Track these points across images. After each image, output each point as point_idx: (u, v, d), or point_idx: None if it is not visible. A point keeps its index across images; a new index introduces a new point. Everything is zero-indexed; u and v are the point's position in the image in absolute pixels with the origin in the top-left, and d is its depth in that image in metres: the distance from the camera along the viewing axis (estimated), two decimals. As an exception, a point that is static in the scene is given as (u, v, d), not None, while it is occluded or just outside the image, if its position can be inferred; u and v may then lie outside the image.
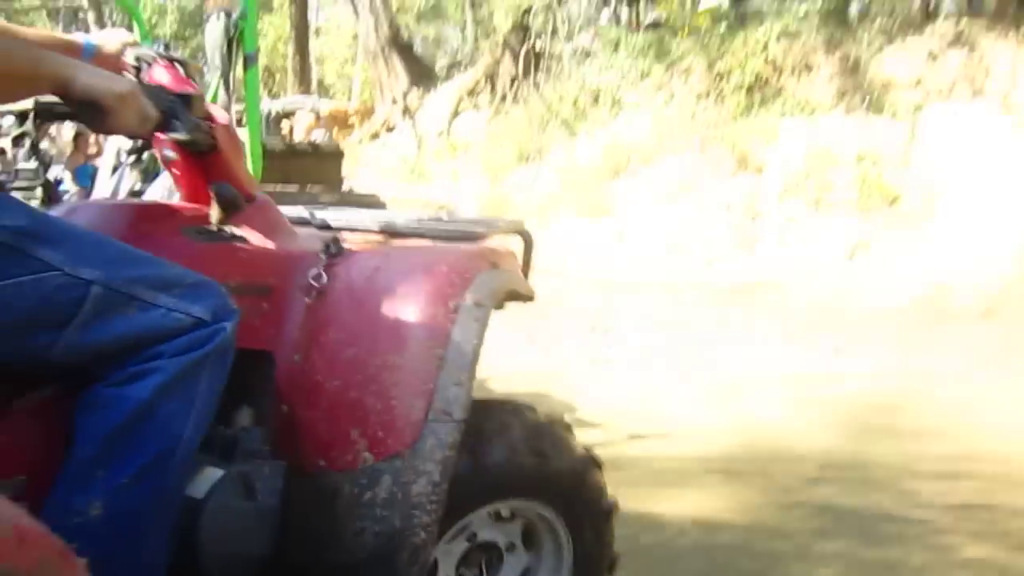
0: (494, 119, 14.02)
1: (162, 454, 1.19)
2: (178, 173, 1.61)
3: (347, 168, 13.43)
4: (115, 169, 3.79)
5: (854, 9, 12.21)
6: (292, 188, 3.94)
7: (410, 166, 14.03)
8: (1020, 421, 4.95)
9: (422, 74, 16.18)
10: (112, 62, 1.57)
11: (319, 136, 10.86)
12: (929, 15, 11.79)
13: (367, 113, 16.62)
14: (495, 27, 15.15)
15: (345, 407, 1.47)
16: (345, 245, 1.59)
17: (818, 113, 10.76)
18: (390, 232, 1.84)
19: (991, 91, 10.28)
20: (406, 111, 15.32)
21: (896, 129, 10.29)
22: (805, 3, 11.89)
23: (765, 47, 11.14)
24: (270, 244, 1.57)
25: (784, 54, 11.32)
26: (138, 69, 1.59)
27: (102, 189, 3.85)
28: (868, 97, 10.64)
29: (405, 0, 20.79)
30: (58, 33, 1.88)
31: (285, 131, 11.92)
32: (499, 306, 1.65)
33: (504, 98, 14.04)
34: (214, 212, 1.50)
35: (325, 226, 1.81)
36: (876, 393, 5.54)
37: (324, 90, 25.71)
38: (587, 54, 13.74)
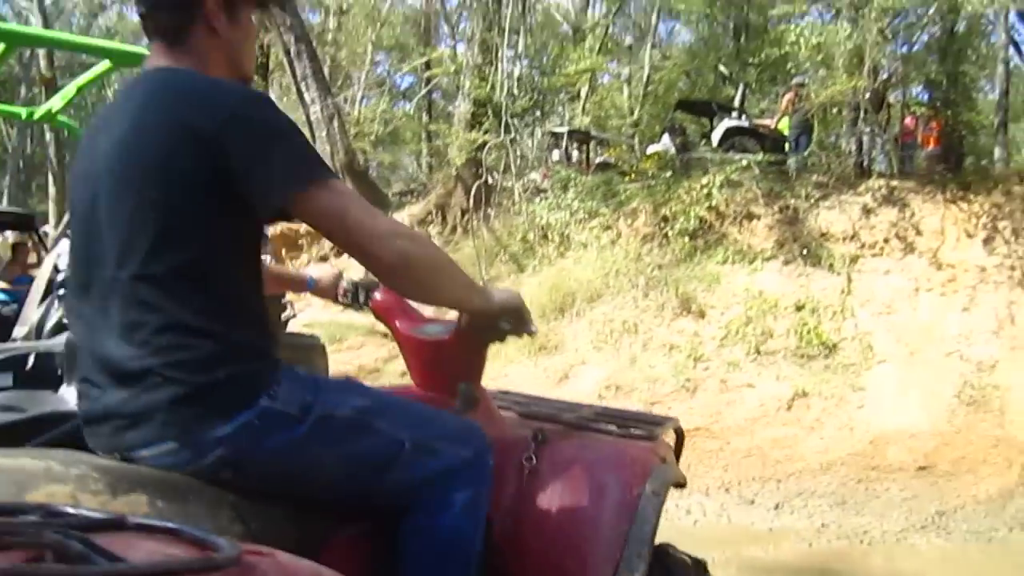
0: (444, 249, 14.12)
1: (467, 566, 1.57)
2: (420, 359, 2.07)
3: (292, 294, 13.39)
4: (45, 296, 3.65)
5: (792, 163, 12.80)
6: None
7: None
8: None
9: (376, 200, 16.31)
10: (330, 291, 2.18)
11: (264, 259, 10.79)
12: (863, 173, 12.42)
13: (319, 236, 16.65)
14: (449, 159, 15.48)
15: (549, 566, 1.81)
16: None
17: (758, 261, 11.07)
18: (583, 426, 2.18)
19: (922, 248, 10.73)
20: (357, 237, 15.41)
21: (832, 280, 10.62)
22: (747, 156, 12.38)
23: (708, 194, 11.51)
24: (491, 428, 1.84)
25: (726, 202, 11.72)
26: (355, 294, 2.14)
27: (29, 313, 3.70)
28: (806, 248, 11.01)
29: (363, 126, 21.15)
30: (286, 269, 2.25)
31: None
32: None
33: (455, 229, 14.23)
34: (458, 404, 1.90)
35: (527, 414, 2.18)
36: (816, 555, 5.50)
37: (278, 210, 25.87)
38: (538, 191, 14.09)
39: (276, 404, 1.41)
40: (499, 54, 13.93)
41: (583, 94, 17.31)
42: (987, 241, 10.53)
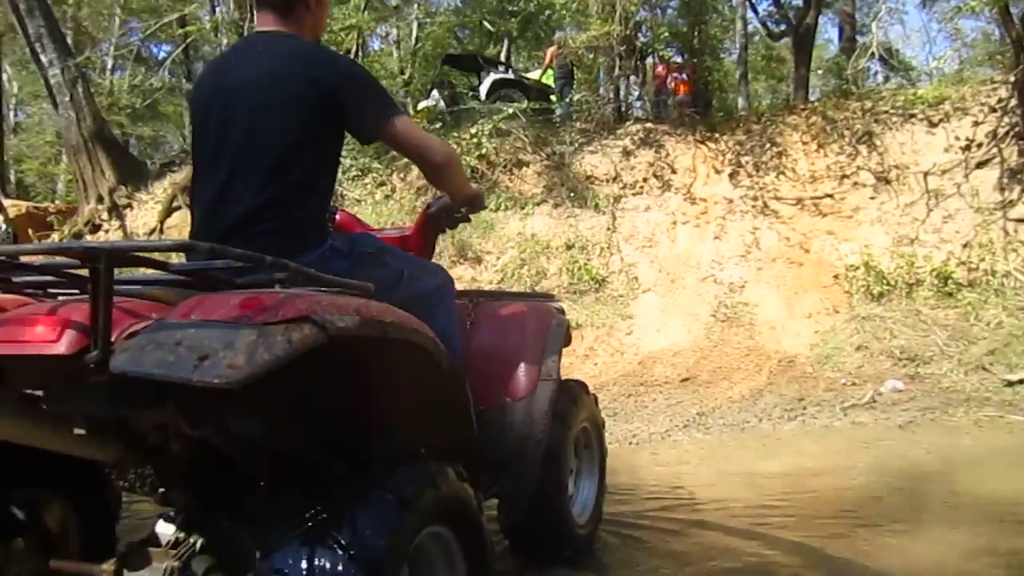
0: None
1: (456, 353, 2.50)
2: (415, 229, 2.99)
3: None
4: None
5: (558, 111, 13.20)
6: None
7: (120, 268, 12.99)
8: (714, 471, 5.28)
9: (132, 171, 15.18)
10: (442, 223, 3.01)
11: (2, 236, 9.76)
12: (622, 118, 13.02)
13: (70, 213, 15.28)
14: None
15: (493, 375, 2.86)
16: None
17: (529, 205, 11.34)
18: (502, 295, 3.55)
19: (677, 185, 11.41)
20: (113, 209, 14.26)
21: (598, 219, 11.08)
22: (513, 106, 12.61)
23: (479, 144, 11.64)
24: None
25: (496, 151, 11.91)
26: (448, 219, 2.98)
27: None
28: (573, 191, 11.40)
29: (117, 98, 19.59)
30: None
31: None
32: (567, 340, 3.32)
33: (222, 193, 13.51)
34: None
35: (460, 293, 2.91)
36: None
37: (24, 191, 23.51)
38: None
39: (336, 243, 2.30)
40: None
41: (351, 54, 16.93)
42: (733, 176, 11.37)
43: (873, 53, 12.38)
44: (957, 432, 6.09)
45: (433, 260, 3.01)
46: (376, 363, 1.97)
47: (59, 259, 1.84)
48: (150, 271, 1.81)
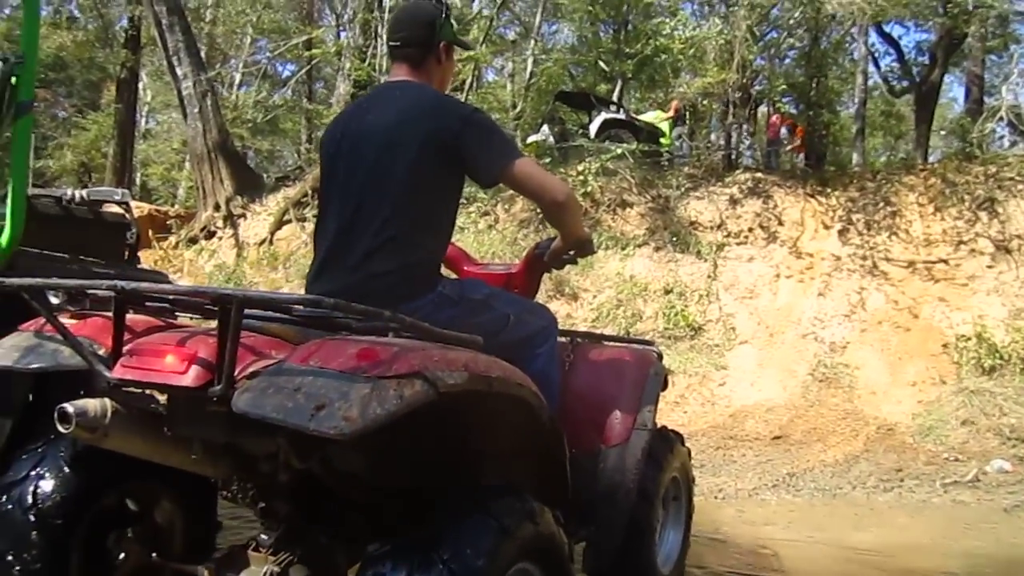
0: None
1: (554, 397, 2.46)
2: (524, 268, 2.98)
3: (159, 267, 12.81)
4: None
5: (666, 155, 13.17)
6: (60, 256, 3.62)
7: (227, 273, 13.53)
8: (802, 536, 5.13)
9: (249, 183, 15.83)
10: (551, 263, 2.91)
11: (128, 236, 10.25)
12: (731, 166, 12.89)
13: (188, 218, 16.02)
14: (327, 142, 15.15)
15: (589, 420, 2.86)
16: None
17: (631, 247, 11.30)
18: (601, 338, 3.56)
19: (783, 237, 11.20)
20: (228, 218, 14.88)
21: (699, 266, 10.95)
22: (622, 146, 12.64)
23: (584, 181, 11.69)
24: None
25: (601, 190, 11.93)
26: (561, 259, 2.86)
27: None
28: (675, 235, 11.32)
29: (241, 111, 20.47)
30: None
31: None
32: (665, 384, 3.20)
33: (331, 212, 13.92)
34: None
35: (561, 332, 2.89)
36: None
37: (147, 194, 24.75)
38: (418, 176, 13.95)
39: (445, 291, 2.33)
40: (380, 35, 13.76)
41: (466, 85, 17.31)
42: (842, 232, 11.09)
43: (1001, 117, 11.92)
44: (1067, 522, 5.75)
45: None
46: (480, 411, 2.05)
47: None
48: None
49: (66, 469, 2.19)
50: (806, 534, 5.17)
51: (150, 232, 14.50)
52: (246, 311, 1.77)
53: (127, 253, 5.18)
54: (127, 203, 6.37)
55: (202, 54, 17.73)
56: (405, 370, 1.63)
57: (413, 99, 2.38)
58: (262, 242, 14.29)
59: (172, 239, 15.02)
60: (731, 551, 4.51)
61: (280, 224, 14.55)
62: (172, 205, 20.53)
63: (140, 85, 23.38)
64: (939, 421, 8.29)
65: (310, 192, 14.71)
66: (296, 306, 1.87)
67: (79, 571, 2.20)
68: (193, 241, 15.00)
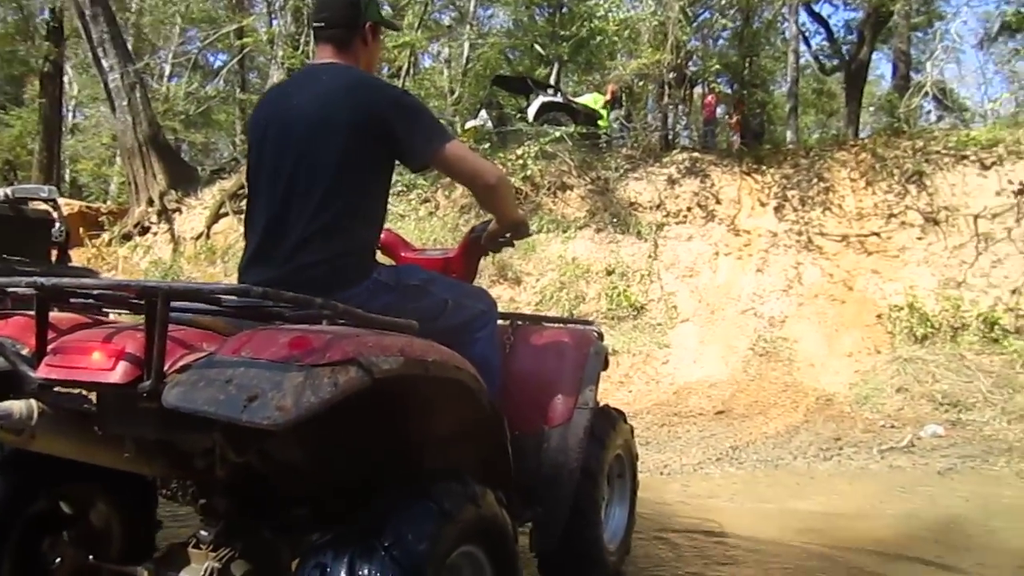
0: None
1: (495, 380, 2.48)
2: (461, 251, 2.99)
3: (92, 265, 12.47)
4: None
5: (604, 137, 13.23)
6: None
7: (164, 269, 13.24)
8: (745, 507, 5.23)
9: (183, 176, 15.47)
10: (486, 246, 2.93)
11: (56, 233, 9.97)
12: (668, 146, 13.01)
13: (121, 215, 15.61)
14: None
15: (530, 401, 2.85)
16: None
17: (572, 229, 11.35)
18: (541, 319, 3.42)
19: (721, 215, 11.36)
20: (163, 212, 14.55)
21: (640, 246, 11.06)
22: (560, 129, 12.67)
23: (524, 165, 11.69)
24: None
25: (541, 173, 11.95)
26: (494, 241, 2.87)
27: None
28: (616, 216, 11.40)
29: (172, 103, 19.97)
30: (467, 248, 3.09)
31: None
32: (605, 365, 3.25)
33: (268, 203, 13.68)
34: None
35: (502, 315, 2.93)
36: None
37: (77, 191, 24.07)
38: (355, 163, 13.79)
39: (380, 277, 2.30)
40: (310, 24, 13.54)
41: (403, 71, 17.16)
42: (778, 209, 11.29)
43: (927, 92, 12.24)
44: (998, 482, 5.96)
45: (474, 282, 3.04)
46: (418, 397, 2.04)
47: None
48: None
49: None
50: (750, 504, 5.28)
51: (81, 230, 14.09)
52: (176, 304, 1.74)
53: (56, 252, 5.04)
54: (55, 200, 6.20)
55: (129, 45, 17.24)
56: (339, 357, 1.61)
57: (340, 82, 2.32)
58: (199, 236, 14.01)
59: (105, 236, 14.63)
60: (677, 523, 4.58)
61: (216, 217, 14.27)
62: (104, 201, 20.02)
63: (65, 79, 22.66)
64: (875, 390, 8.52)
65: (245, 183, 14.46)
66: (225, 296, 1.83)
67: (13, 569, 2.16)
68: (127, 238, 14.65)
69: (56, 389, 1.87)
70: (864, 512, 5.14)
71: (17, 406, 1.76)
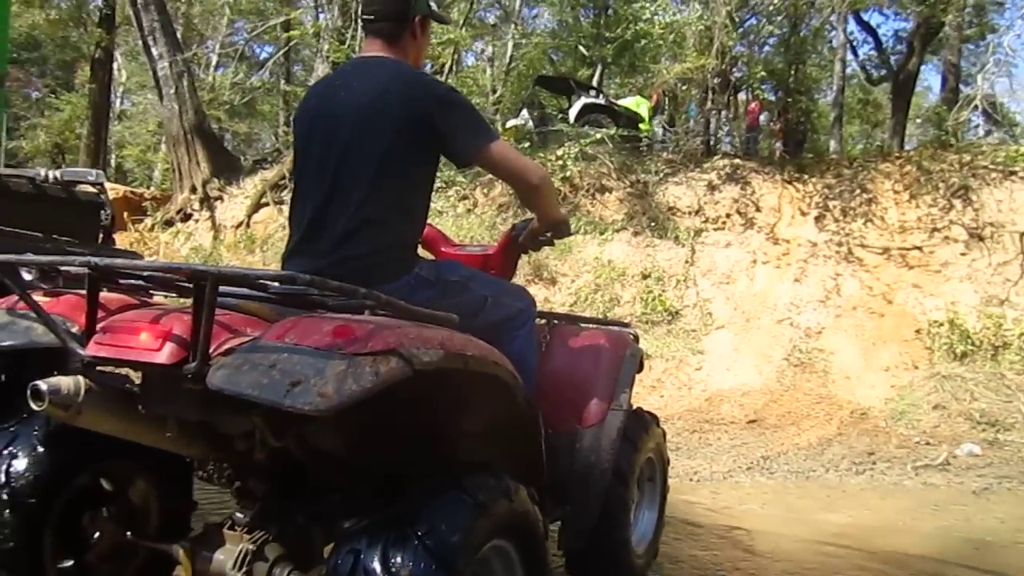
0: (299, 215, 13.74)
1: (531, 378, 2.50)
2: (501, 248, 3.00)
3: (135, 249, 12.67)
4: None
5: (645, 141, 13.18)
6: (33, 235, 3.57)
7: (203, 256, 13.42)
8: (778, 515, 5.19)
9: (226, 165, 15.68)
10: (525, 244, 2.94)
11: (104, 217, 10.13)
12: (709, 152, 12.92)
13: (164, 201, 15.86)
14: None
15: (565, 400, 2.86)
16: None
17: (609, 231, 11.33)
18: (578, 319, 3.43)
19: (760, 223, 11.26)
20: (205, 200, 14.75)
21: (677, 251, 11.01)
22: (601, 131, 12.65)
23: (564, 166, 11.68)
24: None
25: (580, 175, 11.94)
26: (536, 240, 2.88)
27: None
28: (654, 220, 11.36)
29: (218, 93, 20.24)
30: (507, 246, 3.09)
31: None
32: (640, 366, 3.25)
33: (309, 195, 13.79)
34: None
35: (546, 314, 3.13)
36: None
37: (122, 176, 24.49)
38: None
39: (422, 272, 2.32)
40: (358, 16, 13.64)
41: (446, 69, 17.23)
42: (818, 219, 11.17)
43: (976, 105, 12.02)
44: (1035, 504, 5.86)
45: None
46: (456, 390, 2.06)
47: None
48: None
49: (39, 448, 2.18)
50: (779, 515, 5.24)
51: (125, 214, 14.34)
52: (222, 289, 1.76)
53: (102, 234, 5.13)
54: (102, 184, 6.31)
55: (178, 34, 17.52)
56: (381, 347, 1.63)
57: (389, 76, 2.32)
58: (239, 225, 14.18)
59: (148, 221, 14.87)
60: (705, 532, 4.56)
61: (257, 207, 14.45)
62: (148, 187, 20.32)
63: (115, 65, 23.07)
64: (911, 406, 8.40)
65: (288, 175, 14.60)
66: (271, 283, 1.86)
67: (53, 550, 2.19)
68: (169, 224, 14.87)
69: (102, 368, 1.90)
70: (895, 528, 5.08)
71: (65, 382, 1.80)
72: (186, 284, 1.92)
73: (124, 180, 22.74)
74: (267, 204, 14.44)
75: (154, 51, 14.76)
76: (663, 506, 3.59)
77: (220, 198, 14.92)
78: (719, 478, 6.34)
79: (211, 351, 1.69)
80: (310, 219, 2.29)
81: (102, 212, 4.57)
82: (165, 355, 1.72)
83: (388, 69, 2.35)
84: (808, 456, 7.11)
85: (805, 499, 5.81)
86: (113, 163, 24.95)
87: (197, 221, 14.68)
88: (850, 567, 4.08)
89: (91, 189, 4.66)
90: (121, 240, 13.19)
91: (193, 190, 14.99)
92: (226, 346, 1.73)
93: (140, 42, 15.44)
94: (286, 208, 14.04)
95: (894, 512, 5.47)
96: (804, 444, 7.48)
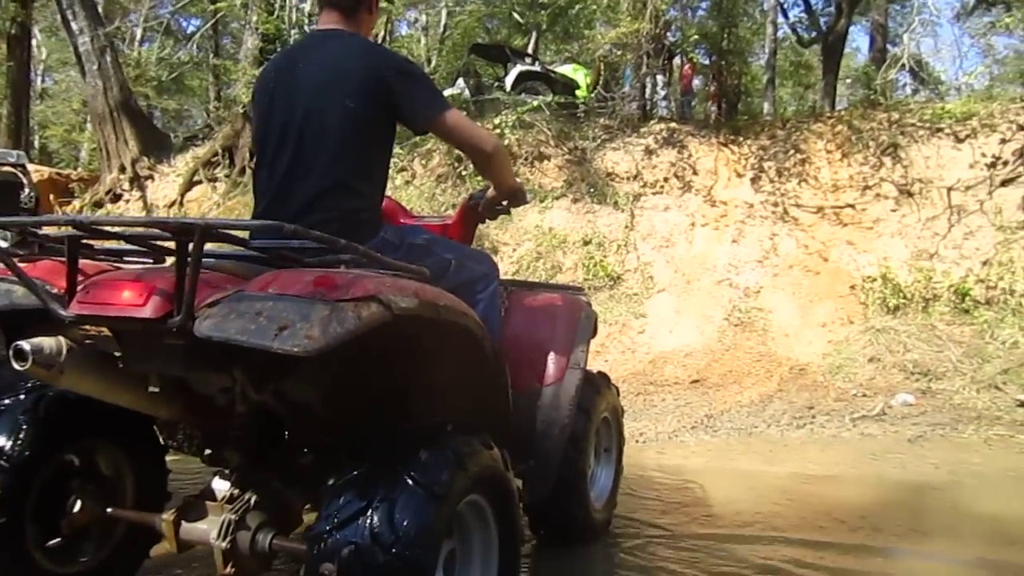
0: (231, 192, 13.48)
1: (496, 337, 2.55)
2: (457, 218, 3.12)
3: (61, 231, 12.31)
4: None
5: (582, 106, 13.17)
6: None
7: (136, 237, 13.07)
8: (723, 470, 5.29)
9: (156, 143, 15.27)
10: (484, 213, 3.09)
11: (25, 199, 9.81)
12: (646, 116, 12.98)
13: (92, 182, 15.39)
14: (235, 98, 14.70)
15: (524, 361, 2.94)
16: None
17: (549, 199, 11.33)
18: (535, 285, 3.62)
19: (697, 186, 11.37)
20: (135, 180, 14.35)
21: (617, 216, 11.07)
22: (538, 98, 12.60)
23: (501, 134, 11.61)
24: None
25: (519, 143, 11.90)
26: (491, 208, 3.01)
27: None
28: (593, 186, 11.39)
29: (144, 69, 19.62)
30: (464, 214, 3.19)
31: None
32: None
33: (243, 171, 13.54)
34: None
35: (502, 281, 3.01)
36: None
37: (47, 157, 23.67)
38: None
39: (387, 236, 2.41)
40: (288, -13, 13.35)
41: (379, 38, 16.95)
42: (754, 180, 11.31)
43: (904, 64, 12.27)
44: (967, 449, 6.07)
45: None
46: (425, 341, 2.13)
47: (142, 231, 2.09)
48: (225, 246, 2.00)
49: (20, 428, 2.25)
50: (724, 471, 5.35)
51: (51, 196, 13.90)
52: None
53: (23, 216, 4.96)
54: (24, 165, 6.11)
55: (99, 8, 16.92)
56: (361, 293, 1.72)
57: (347, 48, 2.43)
58: (171, 204, 13.85)
59: (76, 203, 14.43)
60: (658, 483, 4.65)
61: (190, 185, 14.13)
62: (75, 168, 19.70)
63: (33, 42, 22.19)
64: (847, 359, 8.62)
65: (220, 151, 14.29)
66: (257, 233, 1.99)
67: (35, 530, 2.27)
68: (98, 205, 14.44)
69: (84, 329, 2.01)
70: (835, 478, 5.22)
71: (47, 342, 1.87)
72: (165, 245, 1.99)
73: (49, 161, 21.97)
74: (200, 182, 14.12)
75: (74, 26, 14.25)
76: (620, 461, 3.77)
77: (151, 177, 14.55)
78: (664, 438, 6.44)
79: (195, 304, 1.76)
80: (276, 187, 2.38)
81: (23, 194, 4.41)
82: (150, 309, 1.78)
83: (346, 41, 2.46)
84: (750, 413, 7.25)
85: (748, 454, 5.93)
86: (37, 144, 24.11)
87: (128, 202, 14.29)
88: (794, 516, 4.18)
89: (9, 169, 4.49)
90: (48, 223, 12.77)
91: (122, 169, 14.58)
92: (209, 300, 1.77)
93: (59, 17, 14.86)
94: (220, 185, 13.82)
95: (834, 463, 5.62)
96: (746, 401, 7.63)
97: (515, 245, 10.87)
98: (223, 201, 13.52)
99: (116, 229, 2.09)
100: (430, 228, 2.96)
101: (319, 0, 2.62)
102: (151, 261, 2.24)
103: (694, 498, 4.52)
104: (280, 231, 1.77)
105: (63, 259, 1.95)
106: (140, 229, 2.09)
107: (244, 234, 2.01)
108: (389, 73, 2.36)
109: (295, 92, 2.39)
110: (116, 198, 14.47)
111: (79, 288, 1.92)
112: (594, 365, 8.33)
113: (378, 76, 2.35)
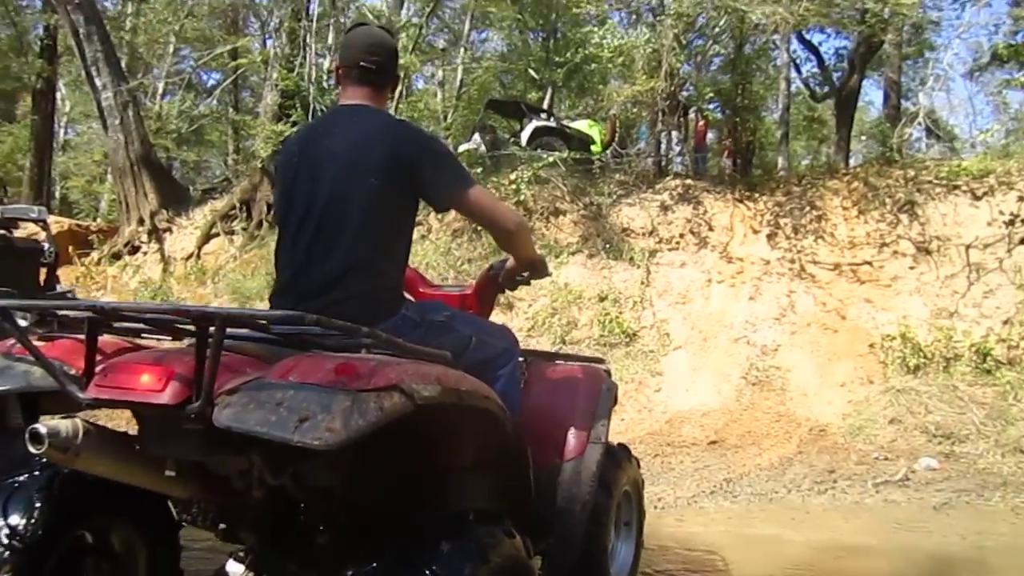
0: (248, 245, 13.57)
1: (515, 413, 2.44)
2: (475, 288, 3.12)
3: (81, 289, 12.37)
4: None
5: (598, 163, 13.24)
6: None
7: (153, 289, 13.15)
8: (744, 540, 5.18)
9: (174, 195, 15.42)
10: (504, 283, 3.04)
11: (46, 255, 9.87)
12: (661, 172, 13.03)
13: (111, 233, 15.54)
14: (255, 152, 14.87)
15: (545, 436, 2.88)
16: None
17: (564, 254, 11.33)
18: (553, 355, 3.67)
19: (713, 242, 11.36)
20: (153, 232, 14.47)
21: (632, 272, 11.04)
22: (554, 154, 12.68)
23: (517, 190, 11.69)
24: None
25: (534, 198, 11.95)
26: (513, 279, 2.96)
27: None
28: (608, 242, 11.40)
29: (165, 122, 19.92)
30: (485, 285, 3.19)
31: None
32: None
33: (260, 224, 13.66)
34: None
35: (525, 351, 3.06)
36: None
37: (68, 208, 23.95)
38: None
39: (408, 313, 2.41)
40: (307, 44, 13.57)
41: (396, 94, 17.20)
42: (770, 237, 11.29)
43: (920, 122, 12.28)
44: (993, 518, 5.94)
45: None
46: (446, 424, 2.12)
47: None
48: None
49: (36, 505, 2.21)
50: (744, 541, 5.23)
51: (71, 248, 14.01)
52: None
53: (45, 274, 4.99)
54: (44, 221, 6.16)
55: (122, 63, 17.23)
56: (383, 383, 1.72)
57: (372, 125, 2.45)
58: (189, 256, 13.95)
59: (94, 255, 14.56)
60: (678, 556, 4.55)
61: (208, 238, 14.23)
62: (94, 219, 19.91)
63: (58, 95, 22.62)
64: (868, 420, 8.49)
65: (238, 204, 14.42)
66: (277, 323, 1.93)
67: None
68: (117, 257, 14.56)
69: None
70: (860, 549, 5.10)
71: (64, 425, 1.85)
72: (185, 327, 1.96)
73: (69, 212, 22.23)
74: (217, 235, 14.22)
75: (97, 81, 14.50)
76: (640, 535, 3.70)
77: (169, 229, 14.66)
78: (684, 504, 6.33)
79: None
80: (299, 262, 2.39)
81: (43, 253, 4.47)
82: (168, 395, 1.76)
83: (372, 117, 2.49)
84: (770, 477, 7.13)
85: (770, 522, 5.81)
86: (58, 194, 24.42)
87: (146, 253, 14.40)
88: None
89: (29, 234, 4.54)
90: (67, 274, 12.87)
91: (141, 222, 14.71)
92: (228, 385, 1.76)
93: (83, 72, 15.14)
94: (237, 239, 13.91)
95: (858, 532, 5.50)
96: (765, 464, 7.50)
97: (530, 301, 10.83)
98: (240, 254, 13.60)
99: (137, 314, 2.07)
100: (449, 299, 2.97)
101: (346, 76, 2.58)
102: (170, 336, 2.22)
103: (718, 567, 4.42)
104: (302, 321, 1.74)
105: (82, 337, 1.95)
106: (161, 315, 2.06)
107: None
108: (413, 150, 2.39)
109: (320, 167, 2.40)
110: (135, 250, 14.59)
111: (97, 370, 1.91)
112: (611, 424, 8.29)
113: (403, 152, 2.38)
